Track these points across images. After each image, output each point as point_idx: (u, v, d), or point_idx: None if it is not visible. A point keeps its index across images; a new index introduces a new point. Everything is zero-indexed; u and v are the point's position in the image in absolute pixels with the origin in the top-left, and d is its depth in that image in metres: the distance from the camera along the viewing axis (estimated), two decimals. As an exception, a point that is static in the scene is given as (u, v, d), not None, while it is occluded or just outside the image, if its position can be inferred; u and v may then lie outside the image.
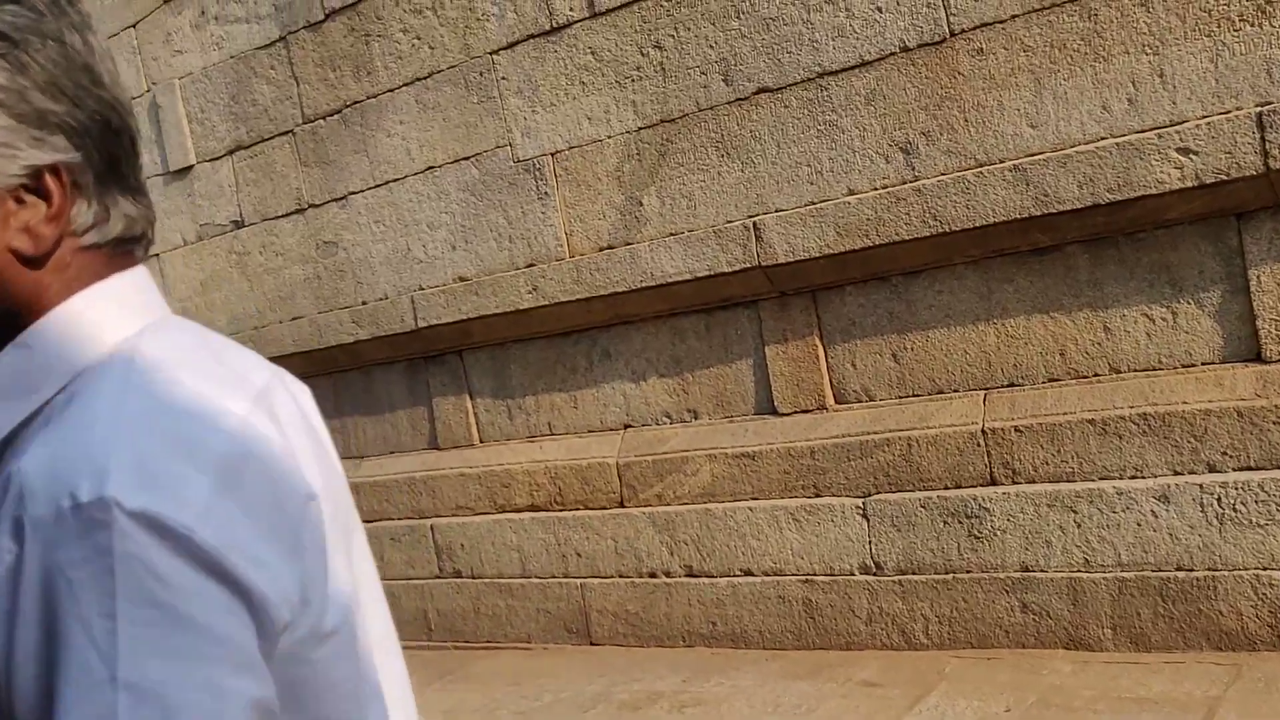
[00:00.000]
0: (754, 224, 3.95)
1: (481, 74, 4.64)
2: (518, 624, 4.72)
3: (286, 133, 5.34)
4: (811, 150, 3.89)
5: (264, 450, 0.73)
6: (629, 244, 4.32)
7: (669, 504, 4.30)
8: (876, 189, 3.77)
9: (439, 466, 5.00)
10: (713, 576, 4.17)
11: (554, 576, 4.61)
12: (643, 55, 4.22)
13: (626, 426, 4.51)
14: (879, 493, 3.82)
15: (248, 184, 5.55)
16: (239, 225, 5.62)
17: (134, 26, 5.90)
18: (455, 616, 4.90)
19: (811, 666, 3.80)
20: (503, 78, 4.58)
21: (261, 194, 5.50)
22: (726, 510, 4.12)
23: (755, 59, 3.98)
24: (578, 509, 4.56)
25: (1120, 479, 3.40)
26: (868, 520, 3.82)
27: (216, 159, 5.66)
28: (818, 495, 3.94)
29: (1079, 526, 3.43)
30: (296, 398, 0.86)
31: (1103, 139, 3.38)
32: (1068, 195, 3.37)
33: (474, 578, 4.84)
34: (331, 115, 5.16)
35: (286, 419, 0.80)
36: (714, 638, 4.16)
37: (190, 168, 5.78)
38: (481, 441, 4.94)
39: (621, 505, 4.43)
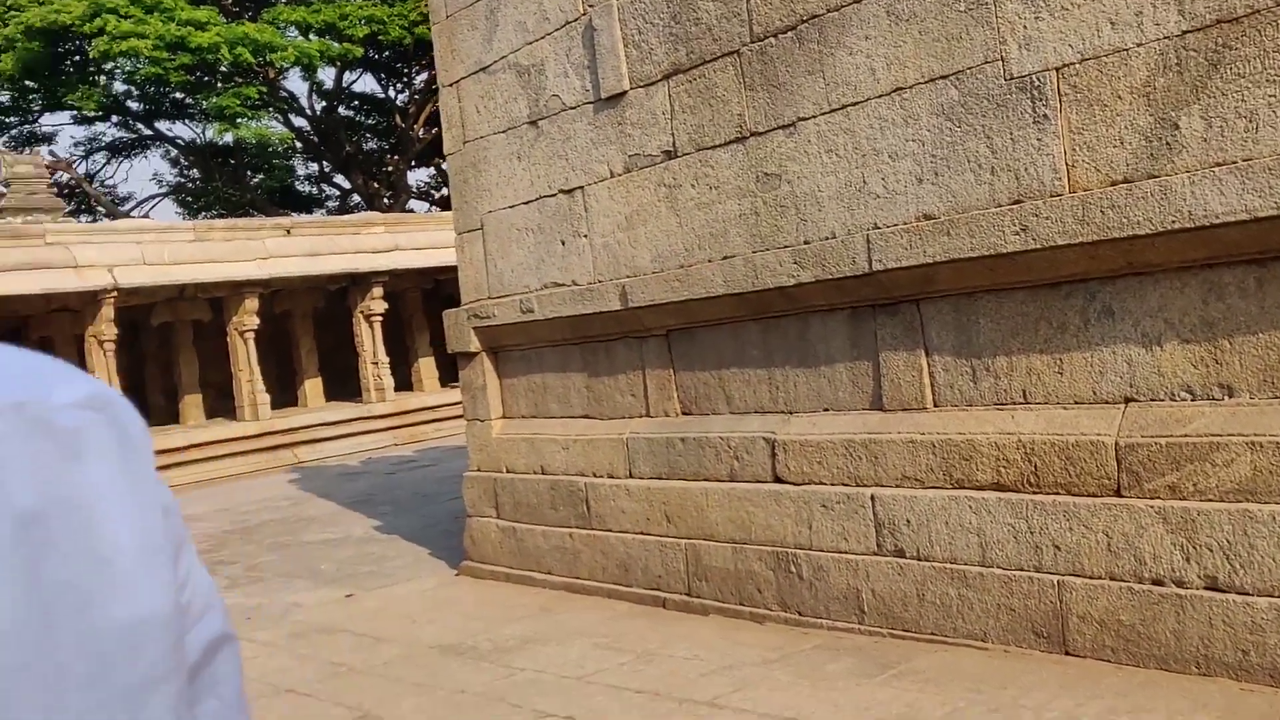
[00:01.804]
0: (1350, 150, 3.06)
1: (972, -24, 3.97)
2: (971, 618, 4.08)
3: (731, 53, 4.89)
4: None
5: None
6: (1155, 176, 3.52)
7: (1186, 498, 3.50)
8: None
9: (883, 430, 4.42)
10: (1247, 594, 3.34)
11: (1022, 569, 3.93)
12: (1196, -60, 3.40)
13: (1128, 400, 3.73)
14: None
15: (683, 111, 5.16)
16: (671, 156, 5.26)
17: (574, -53, 5.65)
18: (894, 600, 4.33)
19: (1400, 728, 2.92)
20: (1000, -22, 3.89)
21: (698, 121, 5.09)
22: (1274, 514, 3.28)
23: (1365, -64, 3.07)
24: (1058, 493, 3.84)
25: None
26: None
27: (651, 84, 5.31)
28: None
29: None
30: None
31: None
32: None
33: (920, 559, 4.24)
34: (784, 32, 4.65)
35: None
36: (1244, 670, 3.34)
37: (623, 94, 5.47)
38: (936, 405, 4.31)
39: (1118, 494, 3.67)
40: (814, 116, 4.58)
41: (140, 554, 0.49)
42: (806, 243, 4.63)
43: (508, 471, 6.43)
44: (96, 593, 0.46)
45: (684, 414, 5.42)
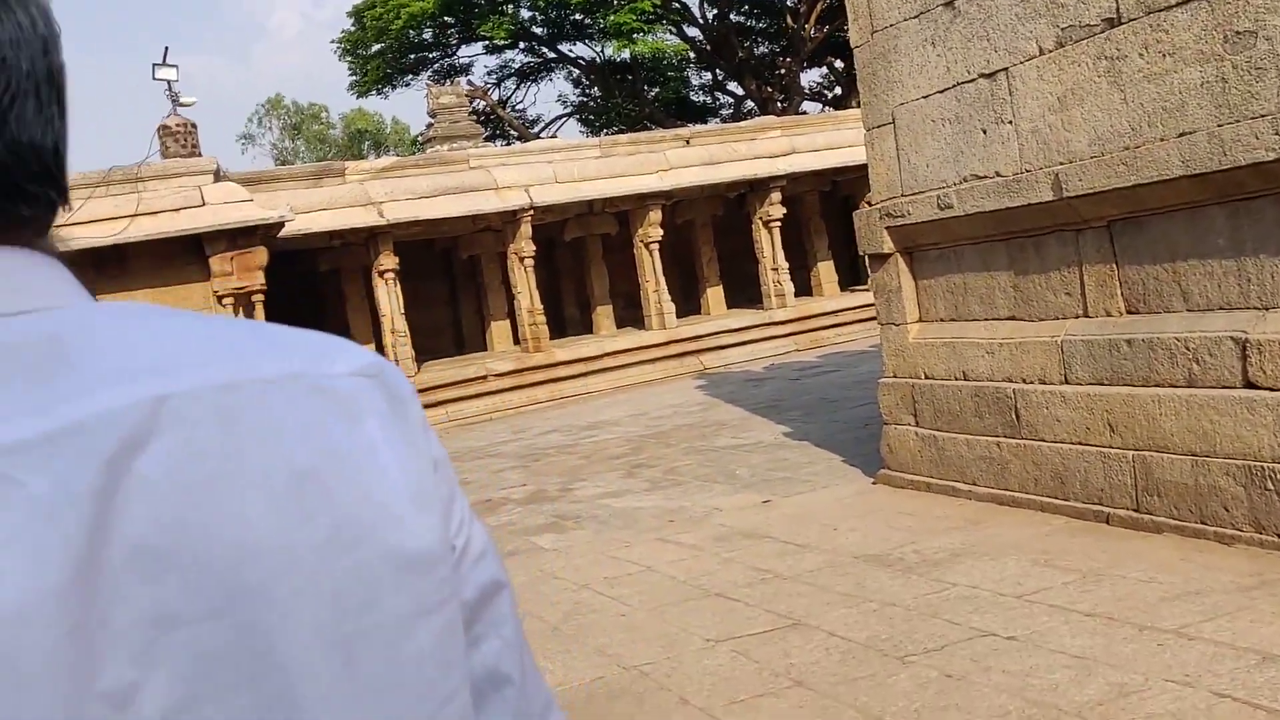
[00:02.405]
0: None
1: None
2: None
3: (1190, -104, 4.24)
4: None
5: None
6: None
7: None
8: None
9: (1391, 326, 3.75)
10: None
11: None
12: None
13: None
14: None
15: (1129, -30, 4.56)
16: (1113, 24, 4.68)
17: None
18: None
19: None
20: None
21: (1147, -20, 4.48)
22: None
23: None
24: None
25: None
26: None
27: (1089, -56, 4.73)
28: None
29: None
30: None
31: None
32: None
33: None
34: None
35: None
36: None
37: (1054, -40, 4.93)
38: None
39: None
40: (1300, -42, 3.88)
41: (411, 499, 0.56)
42: (1289, 110, 3.97)
43: (926, 377, 6.15)
44: (371, 530, 0.53)
45: (1129, 313, 4.90)
